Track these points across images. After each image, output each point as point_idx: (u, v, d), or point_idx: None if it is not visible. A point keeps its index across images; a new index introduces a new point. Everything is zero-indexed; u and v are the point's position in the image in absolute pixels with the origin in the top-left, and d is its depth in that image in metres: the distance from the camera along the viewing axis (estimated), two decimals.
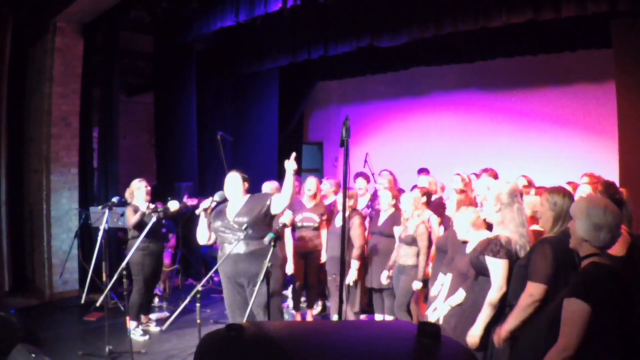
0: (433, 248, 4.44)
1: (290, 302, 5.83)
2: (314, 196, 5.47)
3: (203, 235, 4.05)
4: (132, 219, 4.98)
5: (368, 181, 5.97)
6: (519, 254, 2.87)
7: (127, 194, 5.18)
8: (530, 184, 4.66)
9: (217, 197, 3.99)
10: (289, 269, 5.07)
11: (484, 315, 2.87)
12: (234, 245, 3.76)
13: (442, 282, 3.90)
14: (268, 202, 3.90)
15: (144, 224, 4.93)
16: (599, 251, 2.17)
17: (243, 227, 3.77)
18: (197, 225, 4.06)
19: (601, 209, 2.13)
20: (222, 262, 3.81)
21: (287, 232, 5.18)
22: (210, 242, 4.09)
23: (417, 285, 4.40)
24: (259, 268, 3.58)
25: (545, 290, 2.54)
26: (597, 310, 2.01)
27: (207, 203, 3.97)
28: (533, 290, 2.56)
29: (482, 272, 3.00)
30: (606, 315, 2.03)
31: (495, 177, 5.19)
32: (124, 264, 4.11)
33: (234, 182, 4.02)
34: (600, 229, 2.12)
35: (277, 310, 3.93)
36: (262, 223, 3.87)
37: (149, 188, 5.19)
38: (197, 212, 4.03)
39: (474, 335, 2.90)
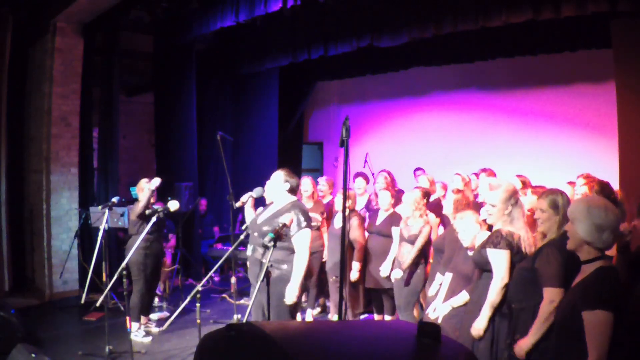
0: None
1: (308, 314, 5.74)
2: (312, 196, 5.50)
3: None
4: (136, 207, 5.00)
5: (368, 181, 5.96)
6: (522, 249, 2.87)
7: (137, 190, 5.23)
8: (525, 184, 4.65)
9: (254, 193, 4.00)
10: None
11: (488, 306, 2.87)
12: (249, 247, 3.76)
13: (440, 282, 3.90)
14: (286, 224, 3.43)
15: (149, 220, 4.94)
16: (601, 254, 2.13)
17: (243, 227, 3.76)
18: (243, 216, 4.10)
19: (602, 209, 2.10)
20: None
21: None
22: None
23: (396, 273, 4.40)
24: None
25: (563, 293, 2.50)
26: (615, 316, 2.00)
27: (245, 197, 4.00)
28: (553, 296, 2.52)
29: (485, 267, 3.00)
30: (619, 318, 2.02)
31: (494, 176, 5.18)
32: (124, 264, 4.11)
33: (272, 182, 3.78)
34: (603, 230, 2.08)
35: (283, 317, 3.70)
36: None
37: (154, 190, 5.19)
38: (236, 205, 4.07)
39: (478, 328, 2.89)
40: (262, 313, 3.67)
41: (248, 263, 3.85)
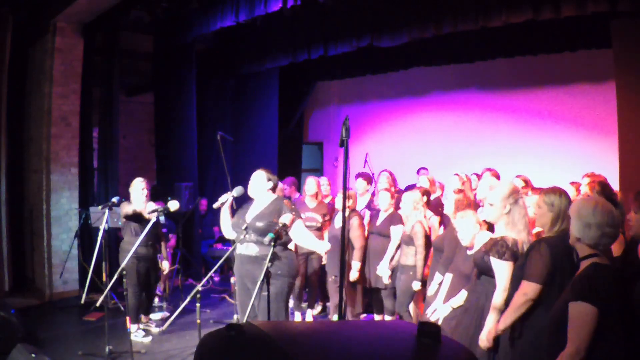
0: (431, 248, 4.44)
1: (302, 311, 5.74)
2: (315, 196, 5.50)
3: (226, 229, 4.03)
4: (124, 208, 4.99)
5: (369, 182, 5.95)
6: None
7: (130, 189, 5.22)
8: (527, 184, 4.65)
9: (235, 192, 3.98)
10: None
11: (492, 318, 2.85)
12: (241, 246, 3.77)
13: (439, 281, 3.90)
14: (286, 224, 3.60)
15: (141, 221, 4.93)
16: (597, 251, 2.18)
17: (243, 227, 3.76)
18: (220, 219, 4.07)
19: (590, 208, 2.18)
20: (236, 261, 3.82)
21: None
22: (234, 236, 4.00)
23: (416, 285, 4.39)
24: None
25: (540, 290, 2.52)
26: (603, 311, 2.02)
27: (224, 198, 3.97)
28: (527, 290, 2.54)
29: (485, 271, 2.99)
30: (611, 315, 2.04)
31: (497, 177, 5.18)
32: (122, 266, 4.11)
33: (255, 181, 3.94)
34: (589, 227, 2.16)
35: (279, 316, 3.81)
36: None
37: (146, 190, 5.17)
38: (214, 206, 4.01)
39: (484, 340, 2.88)
40: (253, 309, 3.70)
41: (236, 260, 3.87)
